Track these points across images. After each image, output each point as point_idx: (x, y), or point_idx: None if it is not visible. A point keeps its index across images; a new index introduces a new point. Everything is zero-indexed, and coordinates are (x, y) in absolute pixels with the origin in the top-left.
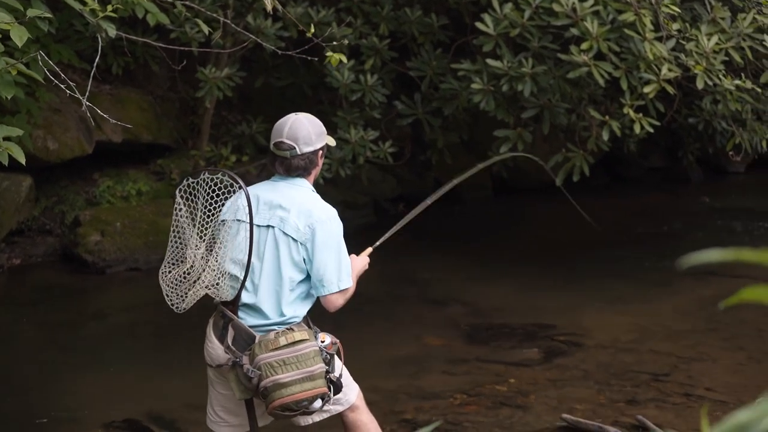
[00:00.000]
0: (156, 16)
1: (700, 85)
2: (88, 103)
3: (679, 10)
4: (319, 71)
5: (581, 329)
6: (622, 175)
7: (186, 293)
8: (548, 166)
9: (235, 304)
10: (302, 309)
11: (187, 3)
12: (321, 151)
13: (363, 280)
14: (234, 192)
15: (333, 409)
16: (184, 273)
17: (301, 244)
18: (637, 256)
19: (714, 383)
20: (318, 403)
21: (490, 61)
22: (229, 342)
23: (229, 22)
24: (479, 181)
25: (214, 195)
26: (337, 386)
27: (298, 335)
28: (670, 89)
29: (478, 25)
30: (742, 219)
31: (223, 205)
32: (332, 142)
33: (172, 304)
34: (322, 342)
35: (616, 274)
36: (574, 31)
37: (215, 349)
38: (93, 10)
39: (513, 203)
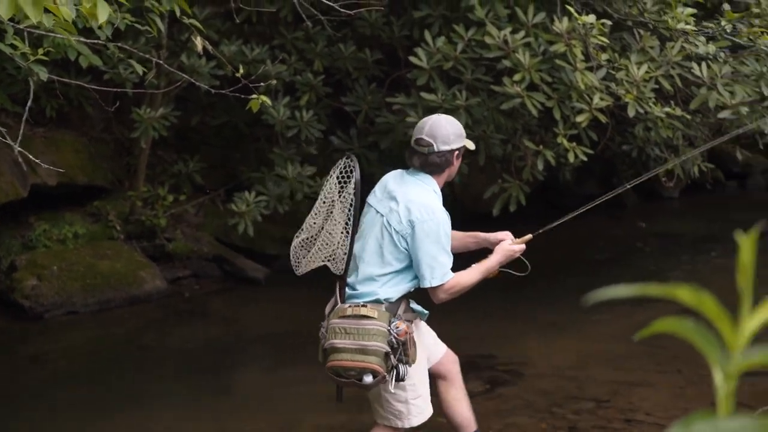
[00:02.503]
0: (88, 57)
1: (631, 113)
2: (19, 148)
3: (607, 41)
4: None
5: (522, 358)
6: (558, 203)
7: (300, 259)
8: (485, 197)
9: (342, 278)
10: (392, 292)
11: (119, 44)
12: (458, 152)
13: (299, 317)
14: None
15: (392, 420)
16: (303, 240)
17: (401, 236)
18: (574, 283)
19: (654, 408)
20: (369, 378)
21: (424, 94)
22: (327, 310)
23: (161, 62)
24: None
25: (344, 176)
26: (399, 373)
27: (365, 311)
28: (602, 118)
29: (412, 59)
30: (679, 243)
31: (344, 186)
32: (471, 145)
33: (294, 267)
34: (397, 328)
35: (555, 301)
36: (506, 62)
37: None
38: (24, 54)
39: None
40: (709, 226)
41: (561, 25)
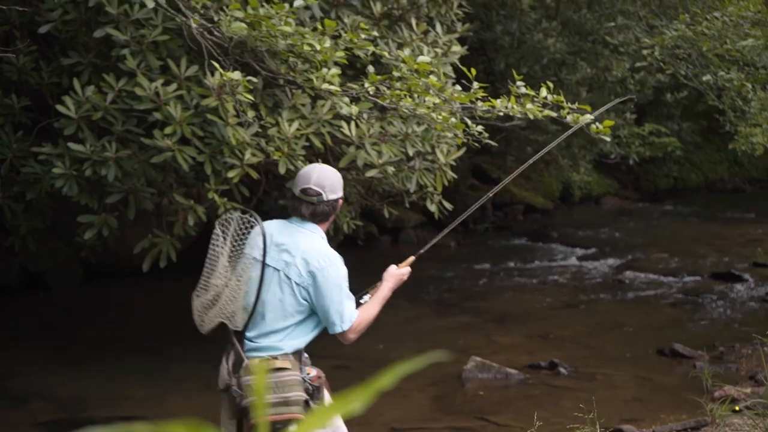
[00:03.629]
0: None
1: (282, 170)
2: None
3: (252, 98)
4: None
5: (169, 418)
6: None
7: (204, 318)
8: (135, 251)
9: (242, 333)
10: (296, 343)
11: None
12: (341, 200)
13: None
14: (252, 226)
15: None
16: (210, 300)
17: (303, 288)
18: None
19: None
20: (293, 428)
21: (71, 144)
22: (229, 366)
23: None
24: (66, 266)
25: (242, 232)
26: None
27: (278, 363)
28: (253, 174)
29: (59, 107)
30: None
31: (239, 241)
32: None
33: (199, 326)
34: (308, 374)
35: (206, 359)
36: (157, 115)
37: (222, 372)
38: None
39: (104, 289)
40: (366, 280)
41: (213, 79)
